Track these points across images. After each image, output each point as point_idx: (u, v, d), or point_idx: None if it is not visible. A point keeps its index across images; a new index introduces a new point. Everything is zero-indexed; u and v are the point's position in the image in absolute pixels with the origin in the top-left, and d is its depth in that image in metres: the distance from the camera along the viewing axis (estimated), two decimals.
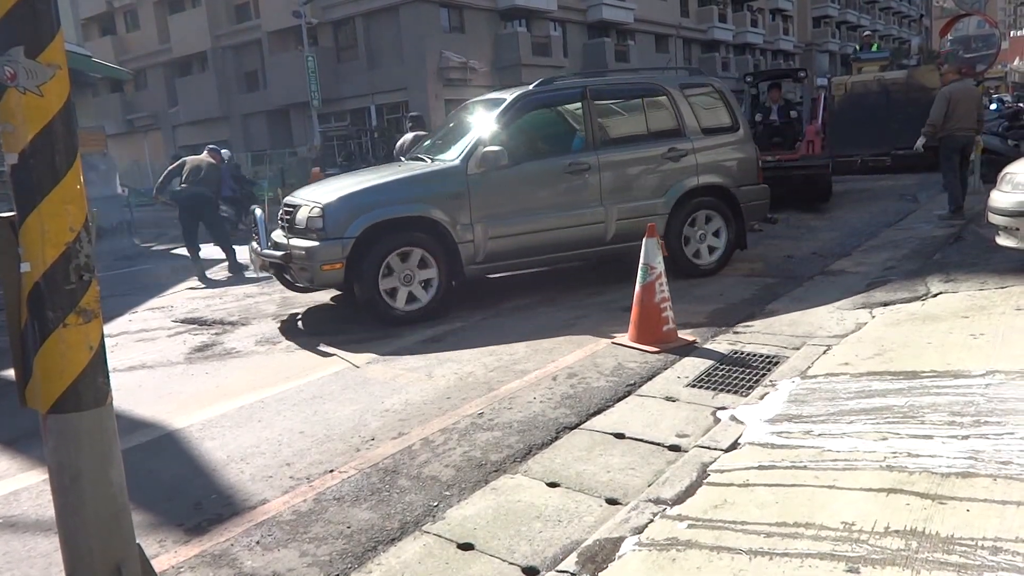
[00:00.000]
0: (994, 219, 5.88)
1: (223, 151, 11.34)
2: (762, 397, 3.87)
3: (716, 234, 7.35)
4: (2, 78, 1.76)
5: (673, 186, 7.10)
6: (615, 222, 6.89)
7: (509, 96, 6.94)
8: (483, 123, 6.84)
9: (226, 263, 10.00)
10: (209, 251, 10.43)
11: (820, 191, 12.23)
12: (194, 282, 9.52)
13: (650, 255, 5.03)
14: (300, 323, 6.73)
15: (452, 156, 6.68)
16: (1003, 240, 5.83)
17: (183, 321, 7.18)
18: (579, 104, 7.06)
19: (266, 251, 6.61)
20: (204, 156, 10.26)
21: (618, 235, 6.93)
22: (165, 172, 10.33)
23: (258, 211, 7.51)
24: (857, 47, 19.96)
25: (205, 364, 5.58)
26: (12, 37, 1.75)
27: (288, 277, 6.71)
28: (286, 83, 32.47)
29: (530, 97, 6.96)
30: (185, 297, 8.57)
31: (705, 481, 2.96)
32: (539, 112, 7.17)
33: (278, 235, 6.67)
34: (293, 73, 31.15)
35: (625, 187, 7.01)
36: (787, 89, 15.36)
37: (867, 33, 21.53)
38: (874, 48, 19.12)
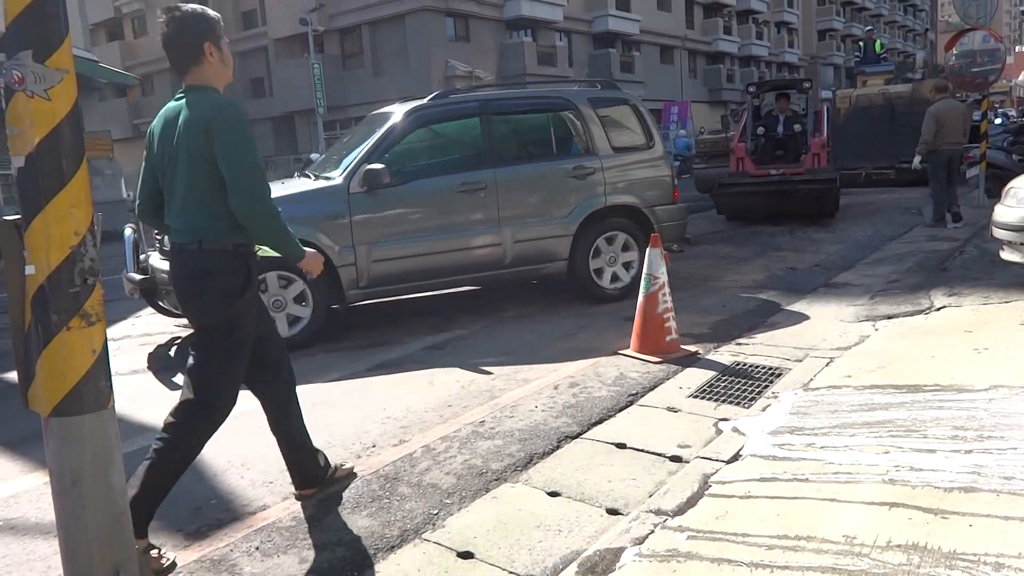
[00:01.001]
0: (998, 233, 5.88)
1: None
2: (764, 409, 3.86)
3: (628, 257, 6.98)
4: (10, 82, 1.77)
5: (579, 206, 6.69)
6: (514, 244, 6.53)
7: (400, 110, 6.53)
8: (371, 139, 6.36)
9: None
10: None
11: (826, 206, 11.86)
12: None
13: (653, 265, 5.03)
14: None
15: (335, 174, 6.26)
16: (1007, 254, 5.82)
17: (186, 325, 7.18)
18: (477, 119, 6.67)
19: (131, 274, 6.04)
20: None
21: (518, 258, 6.56)
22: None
23: (128, 230, 6.47)
24: (860, 46, 19.96)
25: None
26: (21, 41, 1.77)
27: (160, 302, 6.15)
28: (291, 90, 32.61)
29: (421, 112, 6.52)
30: None
31: (706, 492, 2.95)
32: (432, 127, 6.75)
33: (156, 258, 5.96)
34: (299, 80, 31.29)
35: (526, 207, 6.62)
36: (792, 100, 14.98)
37: (868, 29, 21.52)
38: (877, 47, 19.10)
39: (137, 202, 3.05)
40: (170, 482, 2.86)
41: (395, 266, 6.21)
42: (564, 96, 7.08)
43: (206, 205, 2.77)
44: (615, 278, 6.96)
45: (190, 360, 2.93)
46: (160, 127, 2.87)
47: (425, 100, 6.63)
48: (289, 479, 3.39)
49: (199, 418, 2.90)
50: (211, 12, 2.87)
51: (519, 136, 7.13)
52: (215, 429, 2.95)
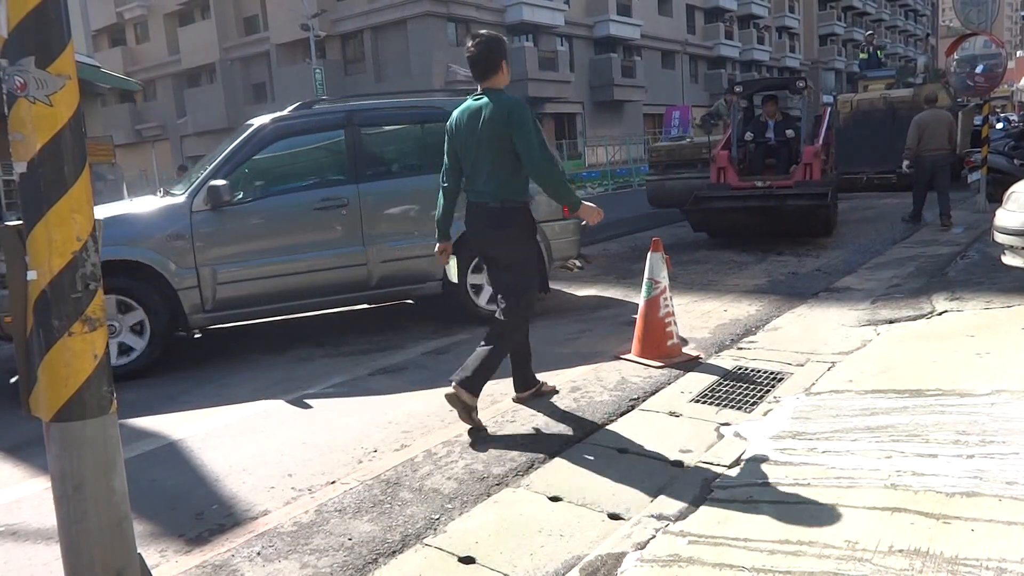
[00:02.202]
0: (1000, 238, 5.88)
1: None
2: (766, 413, 3.86)
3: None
4: (13, 88, 1.78)
5: (454, 223, 6.59)
6: (380, 264, 6.18)
7: (258, 122, 6.17)
8: (223, 153, 6.01)
9: None
10: None
11: (815, 226, 10.37)
12: None
13: (654, 270, 5.03)
14: (303, 334, 6.73)
15: (182, 191, 5.92)
16: (1009, 259, 5.82)
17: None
18: (341, 132, 6.26)
19: None
20: None
21: (386, 279, 6.22)
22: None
23: None
24: (861, 48, 19.98)
25: (209, 373, 5.58)
26: (23, 48, 1.77)
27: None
28: (294, 95, 32.50)
29: (279, 124, 6.13)
30: None
31: (708, 497, 2.95)
32: (291, 140, 6.26)
33: None
34: (301, 85, 31.35)
35: (394, 225, 6.27)
36: (791, 104, 13.17)
37: (869, 33, 21.52)
38: (879, 53, 19.12)
39: (443, 176, 4.25)
40: (490, 374, 4.05)
41: (244, 288, 5.82)
42: (441, 106, 6.56)
43: (506, 174, 3.89)
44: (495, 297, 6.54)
45: (500, 286, 4.15)
46: (465, 119, 3.98)
47: (286, 111, 6.29)
48: (290, 484, 3.41)
49: (514, 327, 4.09)
50: (503, 37, 4.15)
51: (389, 149, 6.72)
52: (526, 330, 4.25)
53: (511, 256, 4.03)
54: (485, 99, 3.93)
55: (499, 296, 4.13)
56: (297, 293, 6.01)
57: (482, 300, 6.49)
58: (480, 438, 3.94)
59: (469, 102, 4.03)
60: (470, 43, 3.99)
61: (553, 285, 8.33)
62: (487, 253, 4.22)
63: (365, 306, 7.74)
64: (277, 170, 6.23)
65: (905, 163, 10.93)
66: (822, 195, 10.12)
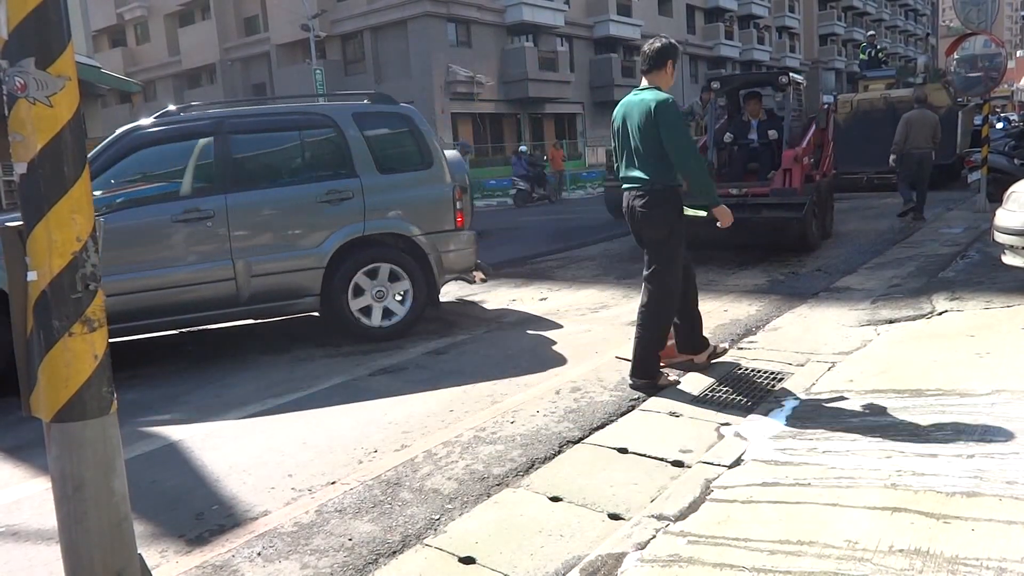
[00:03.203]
0: (1000, 238, 5.87)
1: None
2: (766, 413, 3.86)
3: (401, 291, 6.24)
4: (13, 89, 1.78)
5: (332, 235, 5.96)
6: (251, 279, 5.79)
7: (118, 131, 5.85)
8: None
9: None
10: None
11: (787, 239, 9.33)
12: None
13: None
14: (303, 334, 6.73)
15: None
16: (1009, 259, 5.82)
17: (187, 330, 7.18)
18: (210, 140, 5.90)
19: None
20: None
21: (258, 295, 5.85)
22: None
23: None
24: (862, 48, 19.98)
25: (209, 373, 5.58)
26: (23, 48, 1.78)
27: None
28: (294, 95, 32.65)
29: (138, 133, 5.80)
30: None
31: (708, 497, 2.95)
32: (154, 149, 5.90)
33: None
34: (301, 86, 31.33)
35: (265, 238, 5.89)
36: (773, 103, 11.50)
37: (870, 33, 21.50)
38: (879, 52, 19.13)
39: (616, 161, 4.66)
40: (658, 345, 4.52)
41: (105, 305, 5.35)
42: (323, 112, 6.33)
43: (655, 162, 4.30)
44: (386, 313, 6.19)
45: (648, 265, 4.49)
46: (624, 111, 4.48)
47: (148, 119, 5.96)
48: (290, 484, 3.41)
49: (660, 302, 4.47)
50: (678, 45, 4.58)
51: (263, 158, 6.31)
52: (676, 302, 4.56)
53: (658, 235, 4.42)
54: (644, 94, 4.39)
55: (645, 277, 4.54)
56: (157, 310, 5.62)
57: (373, 319, 6.15)
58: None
59: (631, 96, 4.50)
60: (648, 43, 4.52)
61: (552, 287, 8.33)
62: (639, 233, 4.56)
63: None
64: (137, 181, 5.81)
65: (892, 158, 11.61)
66: (798, 206, 8.97)
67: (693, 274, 4.77)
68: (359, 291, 6.09)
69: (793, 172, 9.22)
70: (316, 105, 6.63)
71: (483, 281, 7.04)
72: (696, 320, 4.80)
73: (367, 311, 6.15)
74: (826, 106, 11.86)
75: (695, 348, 4.79)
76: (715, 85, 10.74)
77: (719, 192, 9.42)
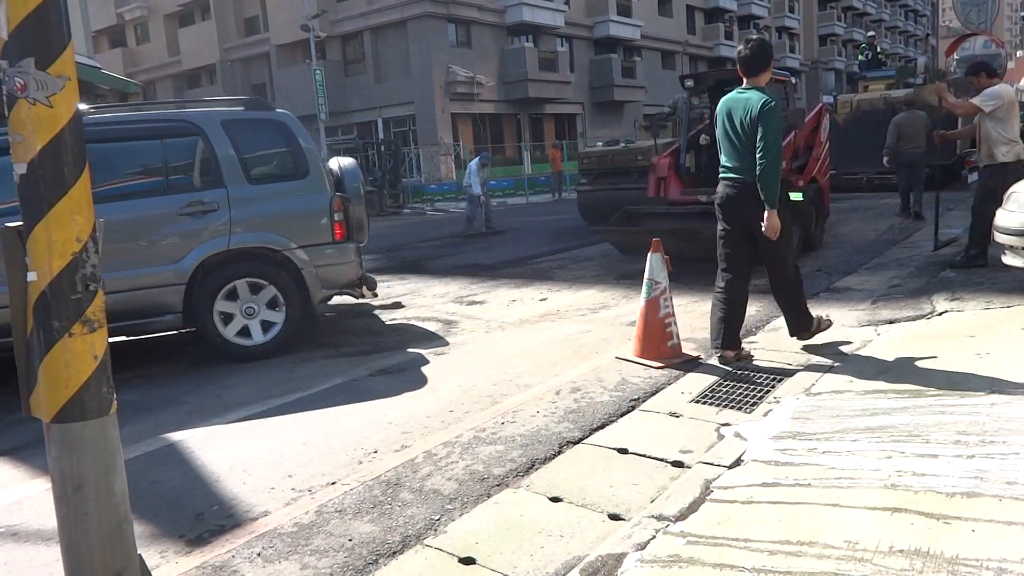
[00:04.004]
0: (1000, 238, 5.87)
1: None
2: (766, 414, 3.86)
3: (273, 307, 5.94)
4: (12, 89, 1.78)
5: (194, 250, 5.65)
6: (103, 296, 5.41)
7: None
8: None
9: None
10: None
11: None
12: None
13: (654, 270, 5.03)
14: (303, 334, 6.74)
15: None
16: (1009, 259, 5.82)
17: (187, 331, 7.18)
18: None
19: None
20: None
21: (114, 312, 5.40)
22: None
23: None
24: (861, 49, 19.98)
25: (209, 374, 5.58)
26: (23, 49, 1.77)
27: None
28: (294, 96, 32.66)
29: None
30: None
31: (708, 498, 2.95)
32: (5, 159, 5.31)
33: None
34: (301, 86, 31.38)
35: (117, 253, 5.27)
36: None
37: (871, 34, 21.48)
38: (878, 52, 19.11)
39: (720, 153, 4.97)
40: (805, 315, 5.04)
41: None
42: (188, 119, 5.95)
43: (754, 156, 4.58)
44: (257, 331, 5.94)
45: (765, 252, 4.86)
46: (728, 108, 4.76)
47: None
48: (290, 485, 3.43)
49: (789, 279, 4.93)
50: (771, 44, 4.96)
51: (116, 168, 5.83)
52: (798, 274, 5.05)
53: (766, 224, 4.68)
54: (749, 93, 4.67)
55: (767, 264, 4.96)
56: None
57: (230, 332, 5.86)
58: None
59: (735, 94, 4.78)
60: (743, 45, 4.77)
61: (552, 287, 8.33)
62: (746, 224, 4.82)
63: (363, 308, 7.76)
64: None
65: (885, 159, 11.91)
66: None
67: (749, 275, 5.06)
68: (226, 308, 5.82)
69: None
70: (182, 112, 6.20)
71: (373, 296, 6.71)
72: (741, 318, 5.01)
73: (236, 329, 5.88)
74: (820, 106, 11.21)
75: (732, 344, 4.95)
76: (688, 83, 9.98)
77: (686, 200, 9.02)
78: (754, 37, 4.82)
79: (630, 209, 9.40)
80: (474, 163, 16.04)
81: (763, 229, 4.63)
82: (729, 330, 4.92)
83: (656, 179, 9.34)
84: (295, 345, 6.29)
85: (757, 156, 4.55)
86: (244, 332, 5.90)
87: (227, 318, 5.84)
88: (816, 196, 9.51)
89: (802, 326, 5.02)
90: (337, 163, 6.93)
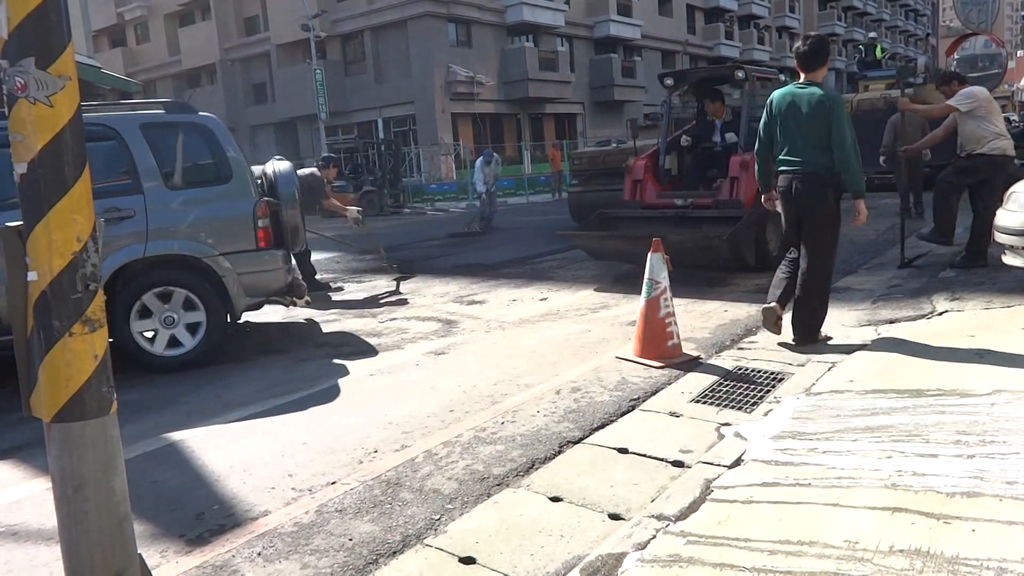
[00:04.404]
0: (1000, 238, 5.87)
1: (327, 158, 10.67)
2: (766, 413, 3.86)
3: (193, 317, 5.75)
4: (13, 89, 1.78)
5: (109, 258, 5.36)
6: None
7: None
8: None
9: None
10: None
11: (717, 260, 7.89)
12: None
13: (654, 270, 5.03)
14: (304, 334, 6.74)
15: None
16: (1009, 259, 5.81)
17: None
18: None
19: None
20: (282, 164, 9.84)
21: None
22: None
23: None
24: (861, 49, 19.98)
25: (209, 373, 5.58)
26: (23, 48, 1.77)
27: None
28: (294, 96, 32.71)
29: None
30: None
31: (708, 497, 2.95)
32: None
33: None
34: (301, 86, 31.39)
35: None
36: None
37: (872, 35, 21.41)
38: (878, 52, 19.12)
39: (757, 145, 5.25)
40: (822, 311, 5.12)
41: None
42: (104, 123, 5.63)
43: (821, 149, 4.84)
44: (175, 342, 5.71)
45: (809, 241, 5.01)
46: (788, 101, 4.94)
47: None
48: (290, 484, 3.44)
49: (821, 275, 5.02)
50: (828, 40, 5.15)
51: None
52: (832, 276, 5.25)
53: (821, 215, 4.93)
54: (809, 88, 4.91)
55: (806, 252, 5.04)
56: None
57: (158, 346, 5.68)
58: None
59: (793, 88, 4.99)
60: (801, 42, 5.01)
61: (552, 287, 8.32)
62: (802, 213, 5.02)
63: (365, 308, 7.77)
64: None
65: (881, 159, 11.82)
66: (733, 219, 7.73)
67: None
68: (144, 317, 5.62)
69: (741, 181, 8.10)
70: (98, 115, 5.80)
71: (307, 304, 6.38)
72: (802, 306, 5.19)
73: (156, 338, 5.68)
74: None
75: (804, 332, 5.17)
76: (668, 82, 9.47)
77: (662, 203, 8.79)
78: (812, 35, 5.05)
79: (604, 213, 9.16)
80: (479, 161, 16.13)
81: (819, 220, 4.93)
82: (785, 294, 5.14)
83: (631, 182, 9.09)
84: (295, 345, 6.29)
85: (835, 150, 4.78)
86: (162, 342, 5.69)
87: (145, 327, 5.65)
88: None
89: (807, 330, 5.07)
90: (272, 167, 6.71)
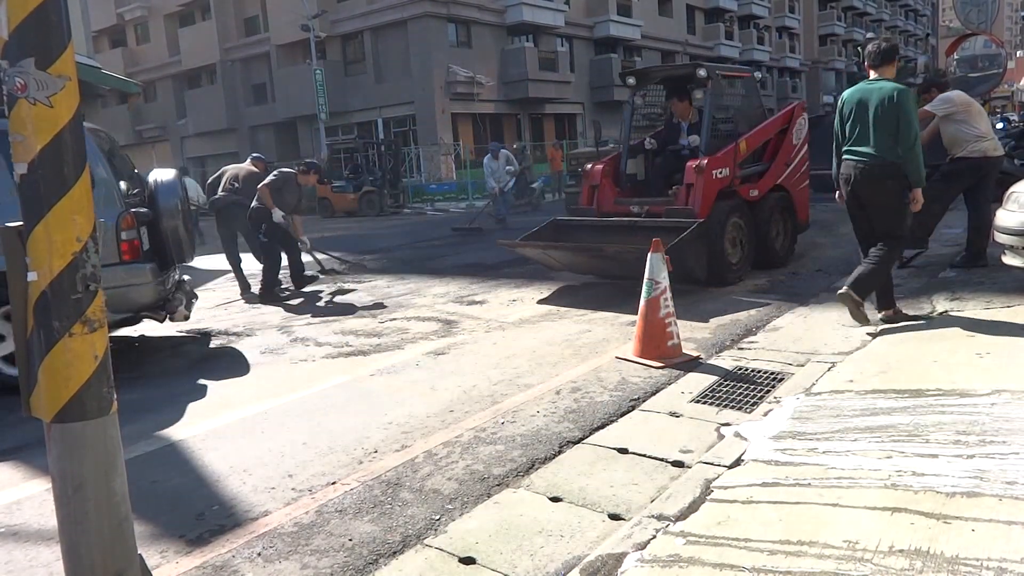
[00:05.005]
0: (1000, 238, 5.86)
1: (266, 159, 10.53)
2: (766, 414, 3.86)
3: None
4: (13, 89, 1.78)
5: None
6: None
7: None
8: None
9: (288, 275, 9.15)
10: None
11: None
12: (198, 293, 9.53)
13: (655, 270, 5.03)
14: (304, 335, 6.73)
15: None
16: (1009, 259, 5.81)
17: (189, 331, 7.19)
18: None
19: None
20: (246, 164, 9.69)
21: None
22: (208, 184, 9.92)
23: None
24: (859, 52, 20.02)
25: (209, 374, 5.58)
26: (23, 48, 1.77)
27: None
28: (294, 96, 32.68)
29: None
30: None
31: (708, 497, 2.95)
32: None
33: None
34: (301, 86, 31.36)
35: None
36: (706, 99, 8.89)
37: (871, 35, 21.46)
38: None
39: (835, 141, 5.51)
40: (878, 280, 5.42)
41: None
42: None
43: (888, 140, 5.12)
44: None
45: (880, 228, 5.38)
46: (859, 96, 5.27)
47: None
48: (291, 485, 3.45)
49: (896, 246, 5.38)
50: (898, 42, 5.92)
51: None
52: (903, 250, 5.93)
53: (891, 203, 5.25)
54: (880, 83, 5.21)
55: (881, 238, 5.36)
56: None
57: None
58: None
59: (864, 84, 5.32)
60: (872, 45, 5.38)
61: (552, 287, 8.32)
62: (868, 201, 5.37)
63: (365, 308, 7.77)
64: None
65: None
66: (679, 228, 7.04)
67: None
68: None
69: (697, 187, 7.55)
70: None
71: (184, 318, 6.21)
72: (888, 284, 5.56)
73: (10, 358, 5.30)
74: (793, 105, 9.49)
75: (888, 303, 5.53)
76: (630, 81, 8.92)
77: (617, 210, 8.34)
78: (883, 37, 5.59)
79: (559, 220, 8.76)
80: (486, 157, 16.09)
81: (884, 208, 5.27)
82: (884, 290, 5.47)
83: (588, 187, 8.62)
84: (296, 344, 6.28)
85: (900, 141, 5.05)
86: (7, 358, 5.34)
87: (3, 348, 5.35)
88: (781, 207, 8.63)
89: (887, 302, 5.52)
90: (154, 178, 6.32)
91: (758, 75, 8.97)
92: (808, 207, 9.35)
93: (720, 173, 7.77)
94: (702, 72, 8.22)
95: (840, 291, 5.31)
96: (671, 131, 8.93)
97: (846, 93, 5.44)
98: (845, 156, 5.36)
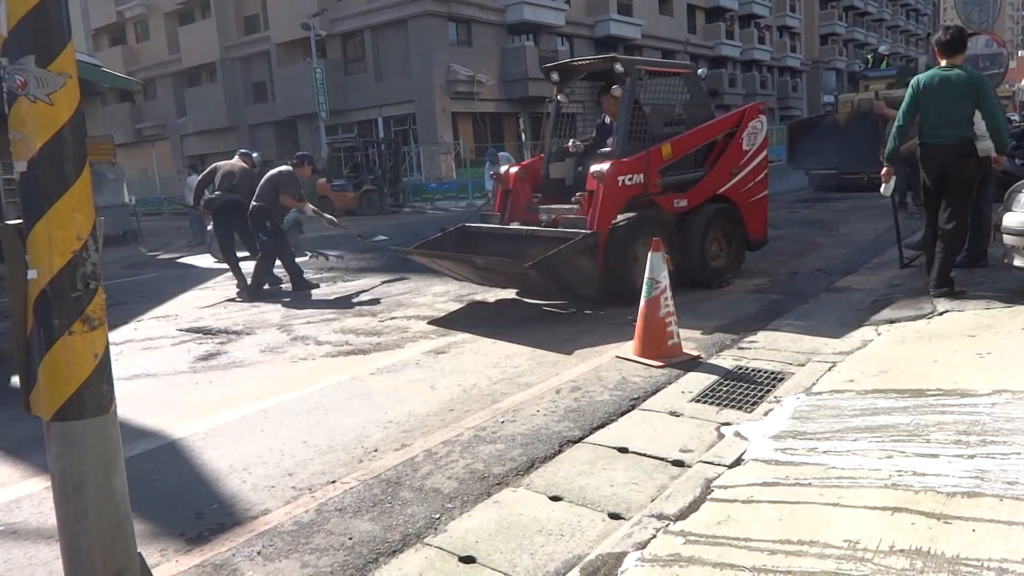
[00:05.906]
0: (1005, 239, 5.85)
1: (254, 155, 10.51)
2: (766, 413, 3.85)
3: None
4: (13, 87, 1.78)
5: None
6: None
7: None
8: None
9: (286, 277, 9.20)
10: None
11: (532, 291, 7.24)
12: (198, 292, 9.52)
13: (655, 269, 5.02)
14: (304, 333, 6.73)
15: None
16: (1019, 261, 5.79)
17: (188, 330, 7.19)
18: None
19: None
20: (236, 160, 9.64)
21: None
22: (198, 181, 9.78)
23: None
24: (868, 58, 20.00)
25: (209, 373, 5.58)
26: (24, 46, 1.77)
27: None
28: (294, 94, 32.67)
29: None
30: (190, 306, 8.58)
31: (709, 497, 2.95)
32: None
33: None
34: (301, 84, 31.35)
35: None
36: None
37: (882, 49, 21.43)
38: (883, 65, 19.17)
39: (900, 123, 6.06)
40: (951, 266, 5.96)
41: None
42: None
43: (967, 123, 5.70)
44: None
45: (952, 200, 5.83)
46: (937, 81, 5.71)
47: None
48: (290, 483, 3.43)
49: (962, 230, 5.93)
50: (966, 30, 6.25)
51: None
52: (966, 237, 6.19)
53: (965, 177, 5.77)
54: (955, 71, 5.68)
55: (948, 209, 5.84)
56: None
57: None
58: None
59: (939, 71, 5.76)
60: (942, 32, 5.86)
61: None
62: (945, 175, 5.84)
63: (365, 307, 7.77)
64: None
65: (882, 158, 11.95)
66: (562, 240, 6.53)
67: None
68: None
69: (596, 195, 6.78)
70: None
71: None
72: (958, 252, 6.16)
73: None
74: (746, 107, 8.47)
75: (944, 282, 5.94)
76: (554, 76, 8.10)
77: (530, 218, 7.59)
78: (952, 25, 6.06)
79: (466, 227, 8.00)
80: (487, 164, 16.05)
81: (961, 181, 5.76)
82: (943, 268, 5.89)
83: (501, 192, 7.96)
84: (295, 343, 6.28)
85: (986, 119, 5.63)
86: None
87: None
88: (723, 221, 7.64)
89: (944, 280, 5.89)
90: None
91: (701, 72, 8.25)
92: (765, 221, 8.26)
93: (629, 180, 6.90)
94: (619, 67, 7.31)
95: (932, 294, 5.87)
96: (602, 131, 8.13)
97: (922, 77, 5.87)
98: (930, 139, 5.84)
